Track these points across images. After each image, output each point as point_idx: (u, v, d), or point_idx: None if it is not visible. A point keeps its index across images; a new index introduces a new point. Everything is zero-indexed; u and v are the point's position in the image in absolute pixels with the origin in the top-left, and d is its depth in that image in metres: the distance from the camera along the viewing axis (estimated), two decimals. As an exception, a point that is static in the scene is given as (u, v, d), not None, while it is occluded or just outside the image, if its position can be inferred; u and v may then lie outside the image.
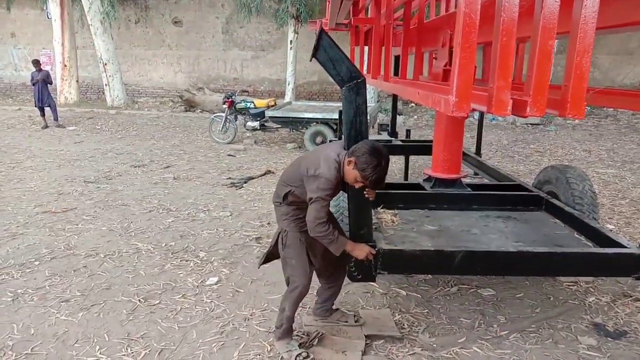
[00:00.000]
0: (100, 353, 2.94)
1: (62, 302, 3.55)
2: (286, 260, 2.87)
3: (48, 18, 16.61)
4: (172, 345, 3.03)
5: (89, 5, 14.90)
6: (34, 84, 11.96)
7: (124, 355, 2.93)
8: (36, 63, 12.23)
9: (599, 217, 4.07)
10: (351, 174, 2.59)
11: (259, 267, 3.27)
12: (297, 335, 3.03)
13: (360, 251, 2.80)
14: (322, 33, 2.53)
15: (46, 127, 11.87)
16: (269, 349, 2.98)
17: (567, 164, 6.82)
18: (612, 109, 15.12)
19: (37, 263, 4.19)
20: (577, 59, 1.58)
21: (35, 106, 12.26)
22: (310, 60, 2.70)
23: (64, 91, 16.16)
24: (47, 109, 12.07)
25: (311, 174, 2.61)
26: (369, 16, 5.71)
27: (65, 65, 15.91)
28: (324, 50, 2.53)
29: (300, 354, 2.82)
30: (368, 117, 9.35)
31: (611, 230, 3.96)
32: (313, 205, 2.60)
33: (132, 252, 4.45)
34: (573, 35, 1.60)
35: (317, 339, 2.98)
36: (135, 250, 4.51)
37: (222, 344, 3.04)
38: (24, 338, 3.09)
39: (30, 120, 12.91)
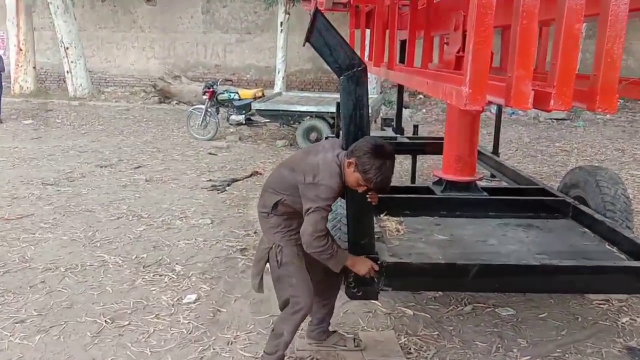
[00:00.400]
0: (60, 382, 2.94)
1: (16, 323, 3.54)
2: (283, 280, 2.82)
3: (1, -5, 16.56)
4: (143, 373, 3.03)
5: (48, -19, 14.88)
6: None
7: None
8: None
9: (634, 226, 4.10)
10: (352, 177, 2.59)
11: (257, 291, 3.09)
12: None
13: (362, 266, 2.79)
14: (316, 14, 2.54)
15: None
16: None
17: (597, 164, 6.86)
18: (648, 102, 15.23)
19: (-13, 278, 4.18)
20: (607, 45, 1.60)
21: None
22: (304, 45, 2.71)
23: (19, 79, 16.11)
24: None
25: (309, 181, 2.59)
26: (371, -6, 5.73)
27: (21, 50, 15.86)
28: (319, 33, 2.54)
29: None
30: (370, 111, 9.38)
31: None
32: (311, 216, 2.58)
33: (98, 266, 4.44)
34: (603, 18, 1.62)
35: (310, 366, 2.99)
36: (101, 263, 4.50)
37: (201, 371, 3.04)
38: (-28, 365, 3.08)
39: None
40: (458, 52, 3.78)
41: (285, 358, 3.00)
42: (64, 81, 16.59)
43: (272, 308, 3.71)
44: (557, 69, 1.63)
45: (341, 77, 2.58)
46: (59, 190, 6.64)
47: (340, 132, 2.83)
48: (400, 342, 3.33)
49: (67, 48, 15.69)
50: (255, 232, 5.20)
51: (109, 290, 4.04)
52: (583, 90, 1.77)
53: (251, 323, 3.55)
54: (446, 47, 4.24)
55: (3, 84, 11.89)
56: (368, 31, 6.19)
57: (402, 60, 5.17)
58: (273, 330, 2.91)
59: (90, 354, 3.20)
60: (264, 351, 2.95)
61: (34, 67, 16.46)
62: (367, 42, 6.27)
